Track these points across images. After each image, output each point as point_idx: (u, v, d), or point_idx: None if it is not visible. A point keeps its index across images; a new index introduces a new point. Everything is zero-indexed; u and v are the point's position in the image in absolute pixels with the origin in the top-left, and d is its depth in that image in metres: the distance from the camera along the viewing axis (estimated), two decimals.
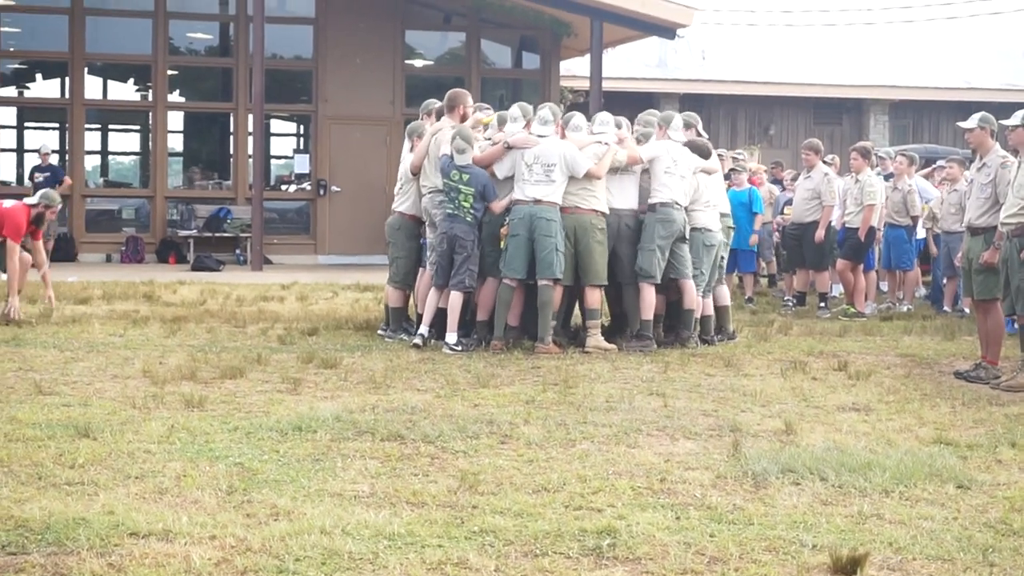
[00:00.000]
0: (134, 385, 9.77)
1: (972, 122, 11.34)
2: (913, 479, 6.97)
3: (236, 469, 7.01)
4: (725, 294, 13.73)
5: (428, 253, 12.69)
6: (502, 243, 12.23)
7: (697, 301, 12.85)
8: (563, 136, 12.48)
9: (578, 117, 12.96)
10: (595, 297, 12.43)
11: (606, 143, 12.50)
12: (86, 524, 5.78)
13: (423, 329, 12.36)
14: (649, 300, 12.48)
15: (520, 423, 8.47)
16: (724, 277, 14.05)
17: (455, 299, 12.18)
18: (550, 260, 12.02)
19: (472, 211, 12.14)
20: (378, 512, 6.16)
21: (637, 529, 5.93)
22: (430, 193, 12.66)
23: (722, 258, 13.65)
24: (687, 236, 12.67)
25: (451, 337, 12.06)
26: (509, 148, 12.34)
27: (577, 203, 12.27)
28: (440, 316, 12.40)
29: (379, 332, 13.12)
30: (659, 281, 12.51)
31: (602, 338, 12.34)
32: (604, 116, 13.06)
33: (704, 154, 13.17)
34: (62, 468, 6.94)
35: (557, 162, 12.10)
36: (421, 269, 13.02)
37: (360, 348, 12.14)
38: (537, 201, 12.08)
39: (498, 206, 12.28)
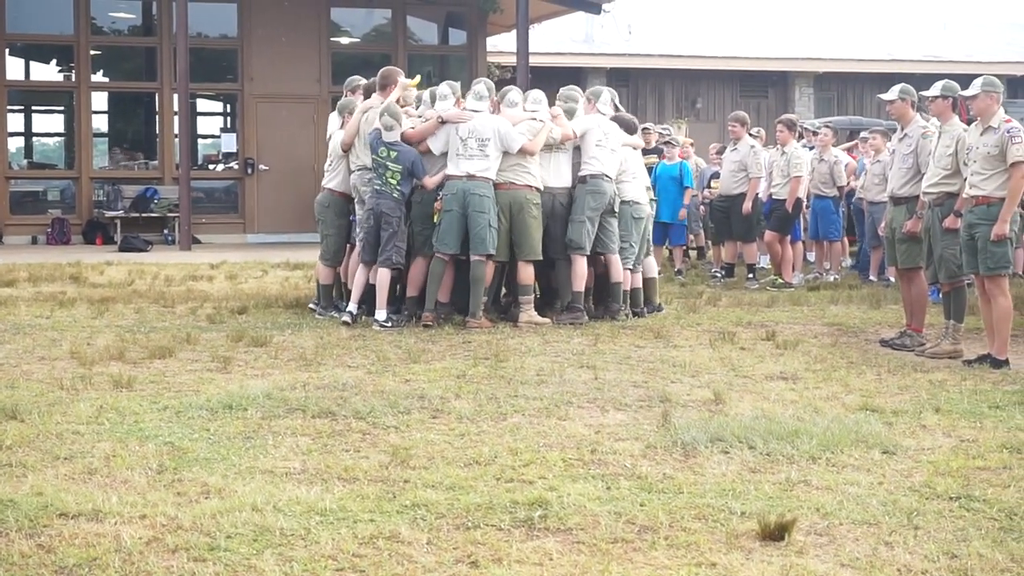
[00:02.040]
0: (62, 367, 9.69)
1: (893, 94, 11.45)
2: (839, 446, 7.07)
3: (166, 448, 6.98)
4: (653, 266, 13.81)
5: (357, 230, 12.67)
6: (435, 218, 12.23)
7: (624, 274, 12.91)
8: (498, 111, 12.49)
9: (514, 92, 12.97)
10: (528, 272, 12.46)
11: (541, 120, 12.51)
12: (14, 506, 5.75)
13: (351, 307, 12.34)
14: (580, 272, 12.53)
15: (451, 398, 8.49)
16: (652, 249, 14.12)
17: (383, 276, 12.16)
18: (483, 236, 12.03)
19: (398, 188, 12.12)
20: (310, 488, 6.16)
21: (568, 500, 5.97)
22: (359, 171, 12.64)
23: (646, 230, 13.73)
24: (616, 209, 12.72)
25: (380, 314, 12.06)
26: (443, 123, 12.34)
27: (511, 179, 12.29)
28: (370, 293, 12.39)
29: (310, 306, 13.10)
30: (588, 252, 12.56)
31: (535, 312, 12.38)
32: (537, 94, 13.09)
33: (630, 129, 13.25)
34: None
35: (491, 137, 12.11)
36: (350, 246, 13.01)
37: (290, 326, 12.11)
38: (471, 176, 12.08)
39: (430, 182, 12.27)
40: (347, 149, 12.82)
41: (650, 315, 13.13)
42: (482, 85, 12.54)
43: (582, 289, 12.57)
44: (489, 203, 12.07)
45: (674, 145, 18.10)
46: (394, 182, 12.11)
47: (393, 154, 12.10)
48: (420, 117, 12.78)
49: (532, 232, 12.32)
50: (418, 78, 13.41)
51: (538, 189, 12.42)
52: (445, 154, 12.35)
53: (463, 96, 12.70)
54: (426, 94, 13.02)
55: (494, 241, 12.11)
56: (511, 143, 12.15)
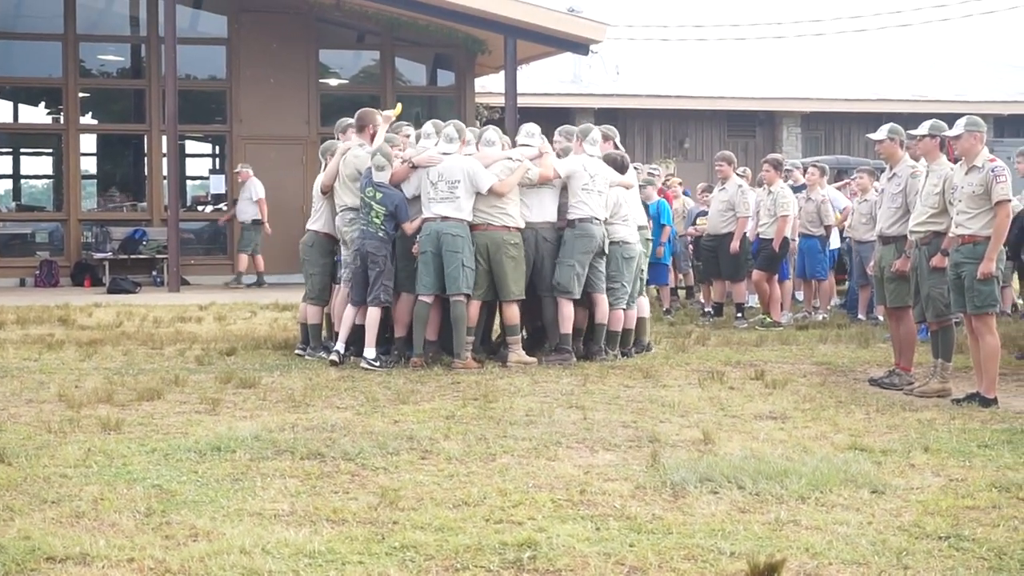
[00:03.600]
0: (49, 409, 9.67)
1: (882, 133, 11.50)
2: (828, 485, 7.06)
3: (154, 491, 6.96)
4: (645, 306, 13.82)
5: (343, 270, 12.68)
6: (415, 262, 12.27)
7: (618, 314, 12.91)
8: (477, 151, 12.53)
9: (491, 131, 13.00)
10: (512, 312, 12.46)
11: (518, 159, 12.54)
12: (2, 550, 5.73)
13: (339, 346, 12.34)
14: (567, 314, 12.54)
15: (440, 438, 8.48)
16: (645, 289, 14.15)
17: (372, 315, 12.18)
18: (456, 276, 12.06)
19: (383, 227, 12.15)
20: (298, 530, 6.15)
21: (557, 541, 5.96)
22: (342, 211, 12.68)
23: (641, 270, 13.74)
24: (606, 251, 12.73)
25: (370, 352, 12.06)
26: (414, 167, 12.39)
27: (488, 220, 12.33)
28: (358, 333, 12.39)
29: (296, 351, 13.07)
30: (577, 296, 12.56)
31: (523, 352, 12.38)
32: (530, 127, 13.14)
33: (620, 168, 13.25)
34: None
35: (461, 178, 12.15)
36: (336, 286, 13.01)
37: (279, 367, 12.10)
38: (444, 218, 12.12)
39: (410, 227, 12.31)
40: (326, 191, 12.88)
41: (639, 355, 13.13)
42: (451, 128, 12.58)
43: (570, 331, 12.57)
44: (463, 243, 12.10)
45: (649, 183, 18.12)
46: (378, 221, 12.15)
47: (379, 195, 12.14)
48: (401, 160, 12.72)
49: (509, 272, 12.33)
50: (399, 106, 13.47)
51: (517, 229, 12.44)
52: (418, 196, 12.38)
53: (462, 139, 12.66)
54: (428, 126, 12.99)
55: (468, 281, 12.13)
56: (480, 183, 12.18)
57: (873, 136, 11.65)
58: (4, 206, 26.48)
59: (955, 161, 10.68)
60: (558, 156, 12.90)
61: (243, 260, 23.64)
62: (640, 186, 17.62)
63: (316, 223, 13.11)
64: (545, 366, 12.16)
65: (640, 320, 13.61)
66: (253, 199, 23.36)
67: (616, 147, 13.64)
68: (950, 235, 10.32)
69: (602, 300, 12.76)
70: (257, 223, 23.46)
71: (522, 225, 12.48)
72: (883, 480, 7.26)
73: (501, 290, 12.37)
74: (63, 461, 7.71)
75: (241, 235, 23.81)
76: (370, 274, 12.17)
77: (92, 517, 6.42)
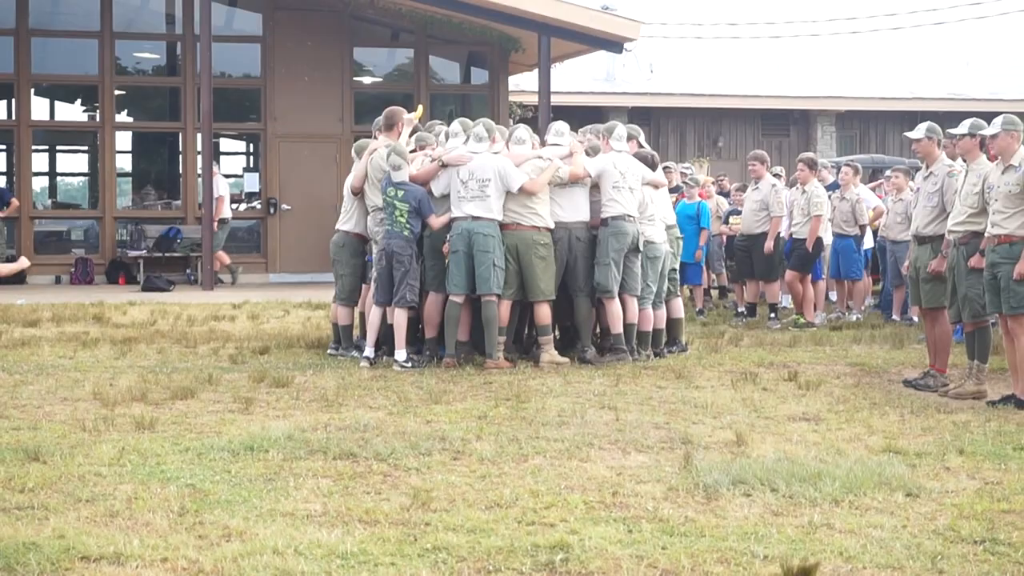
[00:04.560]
0: (84, 408, 9.71)
1: (919, 132, 11.45)
2: (863, 488, 7.03)
3: (188, 490, 6.98)
4: (679, 306, 13.80)
5: (372, 271, 12.68)
6: (446, 260, 12.27)
7: (645, 313, 12.88)
8: (507, 149, 12.52)
9: (521, 130, 13.00)
10: (544, 312, 12.44)
11: (548, 158, 12.52)
12: (36, 548, 5.75)
13: (368, 351, 12.33)
14: (616, 313, 12.51)
15: (472, 439, 8.48)
16: (679, 289, 14.12)
17: (400, 316, 12.17)
18: (487, 276, 12.06)
19: (408, 226, 12.14)
20: (331, 531, 6.15)
21: (590, 543, 5.95)
22: (373, 212, 12.71)
23: (673, 270, 13.71)
24: (640, 247, 12.68)
25: (400, 354, 12.06)
26: (444, 166, 12.38)
27: (518, 220, 12.32)
28: (387, 333, 12.41)
29: (329, 351, 13.10)
30: (615, 295, 12.52)
31: (556, 352, 12.36)
32: (560, 126, 13.15)
33: (651, 166, 13.23)
34: (12, 492, 6.90)
35: (492, 177, 12.14)
36: (365, 286, 13.02)
37: (312, 366, 12.12)
38: (475, 218, 12.12)
39: (436, 221, 12.29)
40: (356, 192, 12.89)
41: (674, 355, 13.11)
42: (481, 127, 12.56)
43: (620, 330, 12.54)
44: (494, 243, 12.10)
45: (692, 185, 18.12)
46: (403, 220, 12.13)
47: (400, 193, 12.13)
48: (428, 157, 12.71)
49: (539, 272, 12.31)
50: (420, 108, 13.46)
51: (548, 229, 12.42)
52: (447, 195, 12.38)
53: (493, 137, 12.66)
54: (456, 125, 13.00)
55: (499, 281, 12.12)
56: (511, 182, 12.16)
57: (911, 135, 11.61)
58: (40, 203, 26.60)
59: (994, 160, 10.61)
60: (587, 155, 12.86)
61: (223, 257, 23.50)
62: (679, 186, 17.70)
63: (347, 223, 13.13)
64: (578, 366, 12.15)
65: (675, 320, 13.62)
66: (216, 195, 23.15)
67: (641, 146, 13.60)
68: (987, 235, 10.26)
69: (632, 302, 12.72)
70: (223, 221, 23.31)
71: (551, 225, 12.46)
72: (918, 483, 7.22)
73: (531, 290, 12.36)
74: (97, 460, 7.74)
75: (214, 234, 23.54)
76: (395, 274, 12.15)
77: (126, 516, 6.45)
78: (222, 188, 23.37)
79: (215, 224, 22.77)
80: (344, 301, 13.12)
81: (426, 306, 12.50)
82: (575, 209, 12.68)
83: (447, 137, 13.00)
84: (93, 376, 11.34)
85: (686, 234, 16.03)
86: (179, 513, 6.50)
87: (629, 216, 12.59)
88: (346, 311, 13.13)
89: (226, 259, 23.58)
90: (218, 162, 23.87)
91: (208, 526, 6.26)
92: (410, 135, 13.03)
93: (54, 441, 8.29)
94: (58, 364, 12.21)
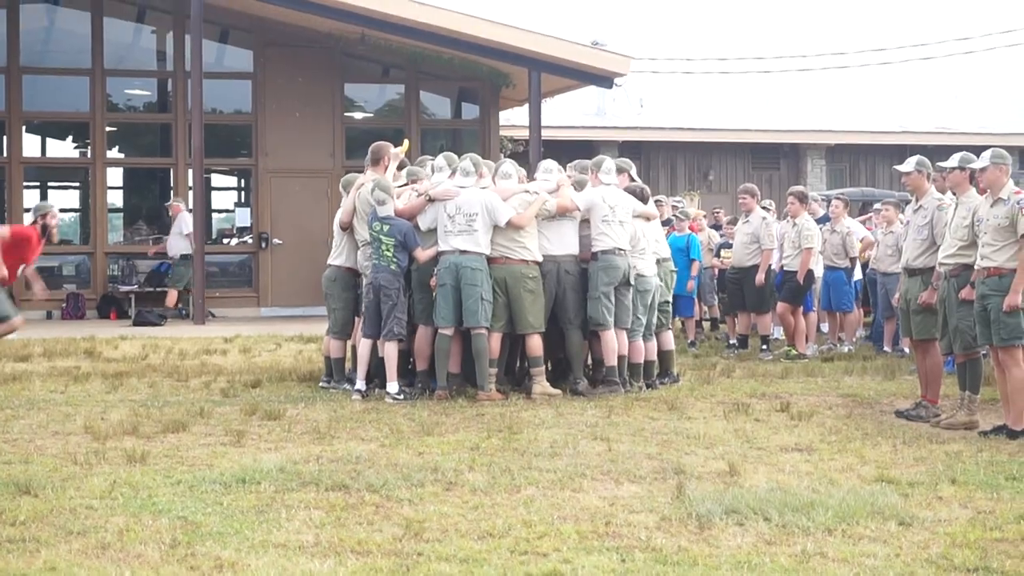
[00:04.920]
0: (75, 441, 9.70)
1: (909, 166, 11.51)
2: (855, 517, 7.04)
3: (179, 523, 6.97)
4: (670, 339, 13.83)
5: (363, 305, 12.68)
6: (434, 294, 12.29)
7: (636, 345, 12.91)
8: (493, 184, 12.57)
9: (507, 164, 13.07)
10: (535, 344, 12.46)
11: (535, 192, 12.57)
12: None
13: (360, 384, 12.35)
14: (611, 346, 12.54)
15: (465, 470, 8.47)
16: (670, 322, 14.14)
17: (390, 349, 12.19)
18: (474, 309, 12.08)
19: (395, 260, 12.17)
20: (323, 562, 6.15)
21: (583, 573, 5.96)
22: (363, 247, 12.73)
23: (666, 302, 13.74)
24: (632, 281, 12.71)
25: (392, 387, 12.07)
26: (431, 200, 12.41)
27: (506, 254, 12.36)
28: (378, 366, 12.42)
29: (321, 384, 13.09)
30: (610, 328, 12.54)
31: (547, 384, 12.37)
32: (548, 164, 13.24)
33: (641, 199, 13.26)
34: (3, 525, 6.89)
35: (479, 211, 12.18)
36: (359, 318, 13.04)
37: (304, 399, 12.12)
38: (463, 252, 12.15)
39: (423, 255, 12.32)
40: (345, 227, 12.92)
41: (666, 386, 13.12)
42: (468, 161, 12.61)
43: (615, 363, 12.56)
44: (482, 276, 12.13)
45: (681, 219, 18.18)
46: (389, 254, 12.17)
47: (386, 227, 12.16)
48: (415, 191, 12.76)
49: (529, 306, 12.34)
50: (406, 143, 13.49)
51: (536, 262, 12.46)
52: (433, 229, 12.40)
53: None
54: (440, 159, 13.05)
55: (487, 314, 12.15)
56: (499, 217, 12.21)
57: (901, 168, 11.66)
58: None
59: (983, 193, 10.66)
60: (574, 189, 12.89)
61: (172, 295, 23.37)
62: (670, 219, 17.76)
63: (337, 258, 13.15)
64: (570, 398, 12.15)
65: (666, 352, 13.65)
66: (184, 233, 23.12)
67: (632, 179, 13.65)
68: (976, 267, 10.30)
69: (623, 335, 12.73)
70: (186, 258, 23.23)
71: (540, 258, 12.50)
72: (910, 512, 7.23)
73: (520, 323, 12.38)
74: (89, 493, 7.73)
75: (172, 270, 23.53)
76: (383, 308, 12.18)
77: (118, 549, 6.43)
78: (189, 224, 23.28)
79: (179, 260, 22.83)
80: (336, 334, 13.13)
81: (416, 339, 12.52)
82: (563, 242, 12.71)
83: (432, 171, 13.04)
84: (84, 410, 11.32)
85: (677, 266, 16.03)
86: (171, 545, 6.49)
87: (620, 250, 12.61)
88: (338, 344, 13.14)
89: (173, 300, 23.38)
90: (184, 200, 23.80)
91: (200, 558, 6.25)
92: (398, 169, 13.07)
93: (45, 474, 8.28)
94: (49, 398, 12.19)
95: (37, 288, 14.46)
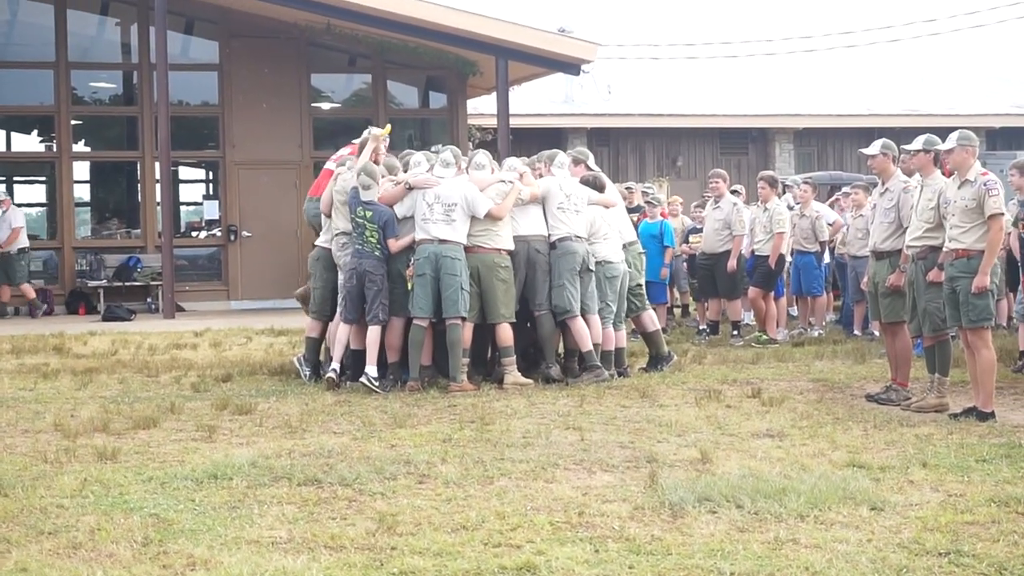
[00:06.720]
0: (45, 439, 9.64)
1: (875, 149, 11.52)
2: (827, 503, 7.05)
3: (151, 520, 6.94)
4: (653, 318, 13.87)
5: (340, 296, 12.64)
6: (408, 284, 12.26)
7: (607, 333, 12.92)
8: (468, 175, 12.57)
9: (481, 155, 13.06)
10: (506, 334, 12.46)
11: (511, 181, 12.59)
12: None
13: (335, 364, 12.35)
14: (582, 332, 12.56)
15: (437, 462, 8.46)
16: (649, 305, 14.16)
17: (373, 333, 12.20)
18: (455, 298, 12.07)
19: (379, 247, 12.17)
20: (296, 558, 6.13)
21: (556, 564, 5.95)
22: (336, 236, 12.69)
23: (638, 286, 13.74)
24: (591, 267, 12.73)
25: (371, 369, 12.07)
26: (410, 188, 12.40)
27: (480, 243, 12.37)
28: (353, 357, 12.40)
29: (294, 360, 13.27)
30: (577, 314, 12.55)
31: (519, 373, 12.37)
32: (512, 162, 13.26)
33: (598, 188, 13.27)
34: None
35: (458, 202, 12.19)
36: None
37: (275, 393, 12.08)
38: (442, 241, 12.13)
39: (395, 245, 12.30)
40: (328, 213, 12.92)
41: (662, 370, 13.38)
42: (448, 153, 12.68)
43: (590, 348, 12.58)
44: (461, 266, 12.14)
45: (654, 204, 18.17)
46: (374, 240, 12.16)
47: (368, 213, 12.16)
48: (393, 181, 12.76)
49: (501, 295, 12.36)
50: (388, 127, 13.46)
51: (508, 251, 12.47)
52: (409, 217, 12.39)
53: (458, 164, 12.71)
54: (419, 156, 13.03)
55: (466, 304, 12.16)
56: (478, 208, 12.23)
57: (866, 151, 11.68)
58: None
59: (949, 175, 10.70)
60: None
61: (29, 290, 23.12)
62: (641, 205, 17.78)
63: (324, 239, 13.14)
64: (541, 387, 12.16)
65: (653, 333, 13.84)
66: (12, 227, 22.91)
67: (590, 168, 13.65)
68: (945, 249, 10.33)
69: (595, 321, 12.75)
70: (23, 251, 23.02)
71: (512, 247, 12.51)
72: (882, 497, 7.25)
73: (491, 313, 12.39)
74: (59, 491, 7.68)
75: (11, 266, 23.20)
76: (367, 293, 12.18)
77: (89, 548, 6.40)
78: (20, 219, 23.09)
79: (17, 253, 22.61)
80: (315, 314, 13.12)
81: (388, 332, 12.48)
82: (531, 223, 12.74)
83: (406, 167, 13.00)
84: (54, 407, 11.26)
85: (649, 253, 16.07)
86: (143, 543, 6.46)
87: (576, 236, 12.66)
88: (315, 324, 13.14)
89: (31, 292, 23.15)
90: (12, 194, 23.55)
91: (172, 555, 6.23)
92: (374, 151, 12.95)
93: (15, 473, 8.22)
94: (18, 396, 12.11)
95: None
